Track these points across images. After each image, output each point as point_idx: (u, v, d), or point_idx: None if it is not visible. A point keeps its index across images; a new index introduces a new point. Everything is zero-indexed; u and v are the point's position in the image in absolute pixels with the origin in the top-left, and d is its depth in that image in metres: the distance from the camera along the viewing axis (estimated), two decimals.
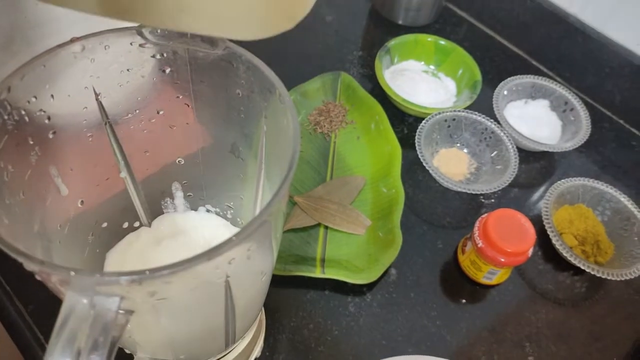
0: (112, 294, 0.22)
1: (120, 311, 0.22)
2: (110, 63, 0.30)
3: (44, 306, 0.48)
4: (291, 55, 0.70)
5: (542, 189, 0.62)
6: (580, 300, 0.54)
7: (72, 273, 0.21)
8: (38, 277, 0.24)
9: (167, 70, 0.31)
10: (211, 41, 0.29)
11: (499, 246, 0.49)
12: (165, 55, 0.30)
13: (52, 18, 0.52)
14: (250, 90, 0.30)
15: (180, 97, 0.33)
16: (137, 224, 0.41)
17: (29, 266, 0.22)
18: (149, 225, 0.42)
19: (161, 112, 0.34)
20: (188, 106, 0.33)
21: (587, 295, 0.54)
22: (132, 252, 0.40)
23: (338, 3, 0.78)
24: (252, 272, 0.28)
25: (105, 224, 0.37)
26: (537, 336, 0.51)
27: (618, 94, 0.67)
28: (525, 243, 0.49)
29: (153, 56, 0.30)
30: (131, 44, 0.29)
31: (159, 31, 0.29)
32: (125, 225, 0.40)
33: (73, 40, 0.27)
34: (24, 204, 0.28)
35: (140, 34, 0.29)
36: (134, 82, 0.31)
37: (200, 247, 0.37)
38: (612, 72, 0.66)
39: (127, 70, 0.31)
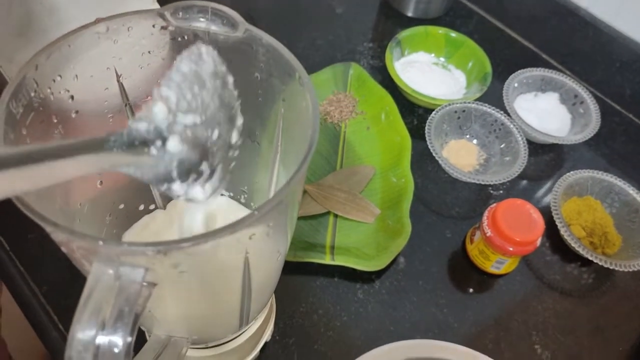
0: (137, 265, 0.23)
1: (144, 283, 0.23)
2: (132, 45, 0.31)
3: (58, 287, 0.49)
4: (302, 46, 0.71)
5: (550, 181, 0.62)
6: (587, 291, 0.54)
7: (100, 242, 0.21)
8: (64, 249, 0.24)
9: None
10: (232, 23, 0.30)
11: (508, 235, 0.49)
12: (186, 37, 0.31)
13: (67, 4, 0.52)
14: (268, 73, 0.31)
15: None
16: (152, 206, 0.41)
17: (58, 236, 0.22)
18: (164, 207, 0.42)
19: None
20: None
21: (594, 287, 0.55)
22: (148, 233, 0.41)
23: None
24: (269, 250, 0.28)
25: (122, 205, 0.38)
26: (544, 326, 0.51)
27: (628, 88, 0.67)
28: (533, 232, 0.50)
29: (174, 38, 0.31)
30: (153, 26, 0.30)
31: (180, 14, 0.30)
32: (141, 207, 0.40)
33: (97, 21, 0.28)
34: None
35: (162, 16, 0.30)
36: (154, 64, 0.32)
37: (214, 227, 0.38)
38: (622, 66, 0.66)
39: (149, 52, 0.31)
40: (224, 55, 0.29)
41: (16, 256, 0.50)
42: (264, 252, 0.28)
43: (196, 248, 0.22)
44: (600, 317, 0.53)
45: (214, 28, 0.30)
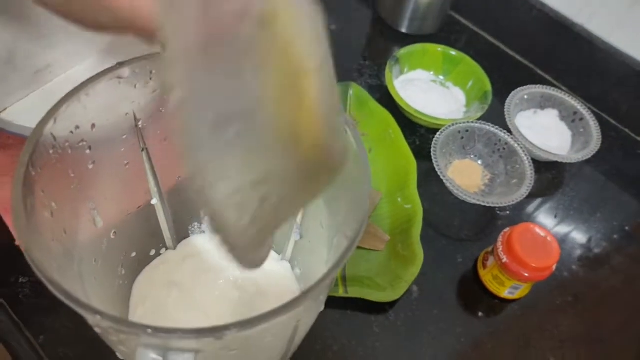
0: (187, 349, 0.20)
1: None
2: (154, 88, 0.28)
3: (55, 336, 0.45)
4: None
5: (554, 199, 0.62)
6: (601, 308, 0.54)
7: (149, 330, 0.19)
8: (98, 330, 0.22)
9: None
10: None
11: (525, 261, 0.48)
12: None
13: (53, 30, 0.49)
14: None
15: None
16: (163, 250, 0.39)
17: (102, 324, 0.20)
18: (174, 248, 0.40)
19: None
20: None
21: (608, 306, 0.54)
22: (160, 275, 0.38)
23: (341, 11, 0.77)
24: (316, 309, 0.26)
25: (134, 254, 0.35)
26: (562, 350, 0.51)
27: (624, 104, 0.67)
28: (550, 258, 0.49)
29: None
30: None
31: None
32: (152, 252, 0.38)
33: (120, 65, 0.25)
34: (67, 242, 0.26)
35: None
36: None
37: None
38: (618, 82, 0.67)
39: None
40: None
41: (9, 305, 0.46)
42: (312, 313, 0.26)
43: (253, 329, 0.20)
44: (617, 334, 0.52)
45: None
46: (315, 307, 0.25)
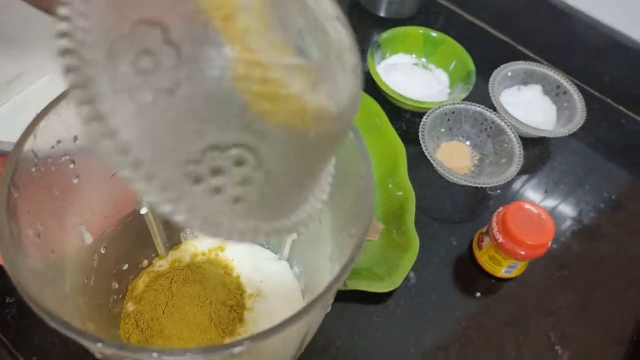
0: None
1: None
2: None
3: (47, 356, 0.44)
4: None
5: (544, 174, 0.62)
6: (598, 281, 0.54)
7: (155, 355, 0.18)
8: (99, 356, 0.21)
9: None
10: None
11: (520, 240, 0.48)
12: None
13: (23, 38, 0.47)
14: None
15: None
16: (155, 259, 0.38)
17: (105, 351, 0.19)
18: (167, 255, 0.39)
19: None
20: None
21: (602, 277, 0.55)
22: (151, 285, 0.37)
23: None
24: (324, 312, 0.25)
25: (126, 266, 0.34)
26: (561, 325, 0.51)
27: (607, 75, 0.68)
28: (545, 235, 0.49)
29: None
30: None
31: None
32: (145, 263, 0.36)
33: None
34: (57, 263, 0.24)
35: None
36: None
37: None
38: (599, 54, 0.67)
39: None
40: None
41: None
42: (319, 317, 0.25)
43: (266, 341, 0.19)
44: (612, 305, 0.53)
45: None
46: (323, 312, 0.25)
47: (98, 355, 0.21)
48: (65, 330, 0.18)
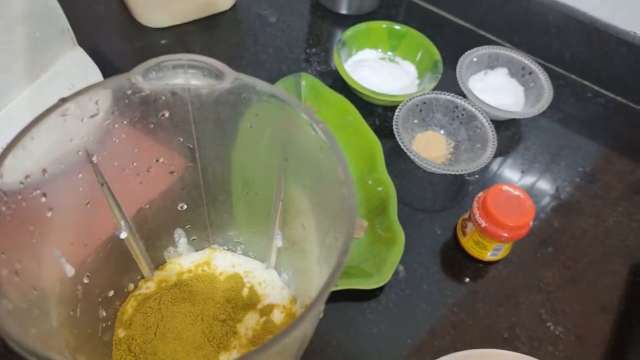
0: None
1: None
2: (103, 119, 0.26)
3: None
4: (245, 65, 0.67)
5: (517, 155, 0.63)
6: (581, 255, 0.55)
7: None
8: None
9: (166, 115, 0.28)
10: (215, 74, 0.26)
11: (502, 222, 0.49)
12: (163, 98, 0.27)
13: None
14: (266, 123, 0.28)
15: (182, 139, 0.29)
16: (141, 282, 0.37)
17: None
18: (152, 276, 0.38)
19: (160, 160, 0.30)
20: (190, 147, 0.30)
21: (584, 249, 0.56)
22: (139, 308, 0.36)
23: (279, 2, 0.75)
24: (317, 317, 0.25)
25: (112, 292, 0.33)
26: (550, 302, 0.52)
27: (567, 51, 0.69)
28: (526, 215, 0.50)
29: (150, 102, 0.27)
30: (125, 93, 0.26)
31: (153, 74, 0.26)
32: (131, 287, 0.36)
33: (63, 101, 0.23)
34: (39, 300, 0.24)
35: (132, 81, 0.26)
36: (130, 134, 0.27)
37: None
38: (558, 31, 0.68)
39: (123, 122, 0.27)
40: (210, 109, 0.26)
41: None
42: (313, 323, 0.25)
43: (265, 354, 0.19)
44: (599, 276, 0.54)
45: (194, 82, 0.26)
46: (317, 316, 0.25)
47: None
48: None
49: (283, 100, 0.26)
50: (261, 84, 0.26)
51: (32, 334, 0.20)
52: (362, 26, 0.66)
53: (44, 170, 0.24)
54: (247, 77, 0.26)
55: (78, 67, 0.45)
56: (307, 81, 0.63)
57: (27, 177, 0.23)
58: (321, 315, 0.25)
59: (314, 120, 0.24)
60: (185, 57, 0.26)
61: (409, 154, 0.56)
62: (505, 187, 0.51)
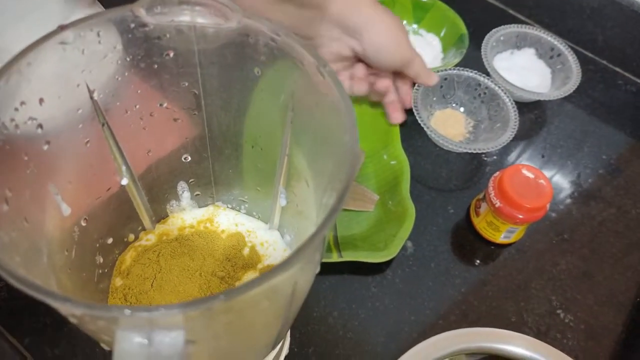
0: (174, 326, 0.18)
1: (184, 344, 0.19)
2: (104, 53, 0.25)
3: (39, 337, 0.43)
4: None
5: (540, 138, 0.61)
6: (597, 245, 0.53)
7: (127, 312, 0.17)
8: (73, 320, 0.20)
9: (171, 55, 0.27)
10: (222, 13, 0.25)
11: (518, 203, 0.47)
12: (167, 36, 0.26)
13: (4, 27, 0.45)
14: (272, 67, 0.26)
15: (187, 84, 0.28)
16: (142, 233, 0.36)
17: (72, 310, 0.17)
18: (153, 228, 0.38)
19: (164, 105, 0.29)
20: (195, 93, 0.29)
21: (603, 240, 0.54)
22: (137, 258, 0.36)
23: None
24: (312, 269, 0.24)
25: (110, 240, 0.33)
26: (562, 289, 0.50)
27: (600, 35, 0.66)
28: (543, 197, 0.48)
29: (154, 39, 0.26)
30: (128, 26, 0.25)
31: (158, 8, 0.25)
32: (131, 237, 0.35)
33: (61, 29, 0.23)
34: (31, 233, 0.23)
35: (136, 14, 0.25)
36: (133, 73, 0.27)
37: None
38: (592, 14, 0.65)
39: (126, 59, 0.26)
40: (216, 51, 0.25)
41: None
42: (308, 275, 0.24)
43: (250, 293, 0.18)
44: (615, 265, 0.52)
45: (200, 20, 0.25)
46: (311, 269, 0.24)
47: (74, 321, 0.20)
48: (33, 292, 0.17)
49: (290, 40, 0.24)
50: (268, 24, 0.25)
51: (17, 261, 0.20)
52: None
53: (41, 100, 0.23)
54: (254, 16, 0.25)
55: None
56: None
57: (22, 103, 0.22)
58: (318, 270, 0.24)
59: (322, 64, 0.23)
60: None
61: (426, 129, 0.55)
62: (524, 169, 0.49)
